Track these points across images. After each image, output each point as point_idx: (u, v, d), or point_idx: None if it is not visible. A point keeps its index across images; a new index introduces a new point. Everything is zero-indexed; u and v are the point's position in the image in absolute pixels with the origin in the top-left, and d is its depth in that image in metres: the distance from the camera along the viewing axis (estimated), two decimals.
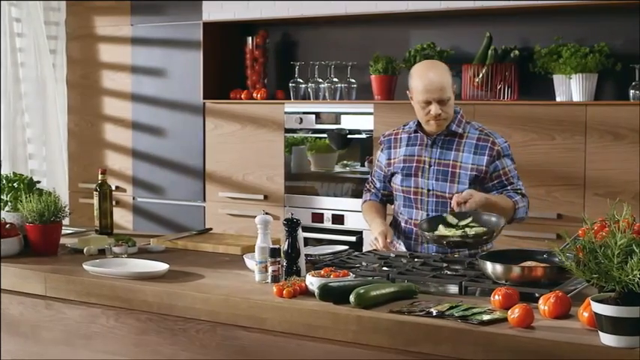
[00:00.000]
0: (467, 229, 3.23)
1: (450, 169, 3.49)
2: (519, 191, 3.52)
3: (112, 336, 3.07)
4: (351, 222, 5.06)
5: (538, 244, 4.45)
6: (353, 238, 4.98)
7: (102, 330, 3.09)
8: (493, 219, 3.27)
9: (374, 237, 3.53)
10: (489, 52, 4.76)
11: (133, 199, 5.87)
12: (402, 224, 3.59)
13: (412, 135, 3.59)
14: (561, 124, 4.47)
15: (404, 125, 3.66)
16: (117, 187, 5.78)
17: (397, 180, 3.59)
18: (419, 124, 3.56)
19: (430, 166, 3.52)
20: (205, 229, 3.90)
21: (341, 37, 5.43)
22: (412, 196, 3.54)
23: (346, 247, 3.50)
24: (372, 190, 3.77)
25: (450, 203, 3.40)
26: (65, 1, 6.11)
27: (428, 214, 3.49)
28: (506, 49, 4.79)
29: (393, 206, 3.71)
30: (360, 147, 5.10)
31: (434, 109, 3.42)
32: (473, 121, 3.61)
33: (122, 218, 5.85)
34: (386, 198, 3.74)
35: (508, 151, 3.54)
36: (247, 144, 5.40)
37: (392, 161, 3.62)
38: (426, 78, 3.43)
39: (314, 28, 5.50)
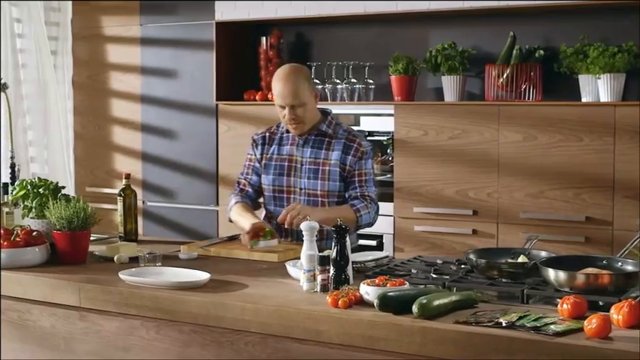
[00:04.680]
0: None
1: (320, 167, 3.67)
2: (367, 196, 3.65)
3: (152, 349, 2.95)
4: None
5: (566, 247, 4.39)
6: (374, 242, 4.87)
7: (141, 342, 2.97)
8: None
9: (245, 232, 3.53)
10: (514, 51, 4.67)
11: (143, 203, 5.72)
12: (273, 222, 3.69)
13: (285, 135, 3.77)
14: (589, 125, 4.39)
15: (277, 125, 3.82)
16: None
17: (268, 179, 3.76)
18: None
19: (302, 165, 3.69)
20: (235, 235, 3.77)
21: (357, 37, 5.32)
22: (285, 195, 3.72)
23: (386, 253, 3.39)
24: (245, 188, 3.81)
25: (321, 202, 3.63)
26: (70, 1, 5.97)
27: None
28: (530, 48, 4.70)
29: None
30: (380, 149, 5.01)
31: (287, 114, 3.61)
32: (342, 124, 3.79)
33: None
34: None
35: (370, 155, 3.72)
36: None
37: (264, 157, 3.77)
38: (279, 83, 3.61)
39: (329, 28, 5.39)
